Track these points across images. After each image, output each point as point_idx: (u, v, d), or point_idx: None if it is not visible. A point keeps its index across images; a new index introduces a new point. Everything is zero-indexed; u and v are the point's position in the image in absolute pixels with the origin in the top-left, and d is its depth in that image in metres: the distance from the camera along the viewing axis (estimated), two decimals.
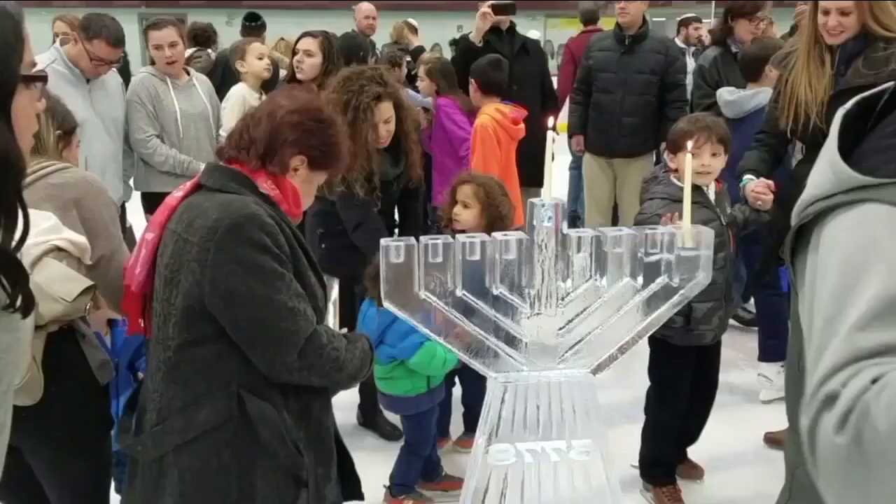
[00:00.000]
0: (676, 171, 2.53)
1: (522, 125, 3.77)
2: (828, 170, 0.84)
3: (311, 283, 1.57)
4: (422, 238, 1.92)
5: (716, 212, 2.48)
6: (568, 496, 2.10)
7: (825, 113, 2.60)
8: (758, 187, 2.56)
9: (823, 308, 0.78)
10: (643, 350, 3.78)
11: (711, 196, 2.53)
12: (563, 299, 2.01)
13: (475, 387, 2.86)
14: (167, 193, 1.65)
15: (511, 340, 2.04)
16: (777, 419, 3.07)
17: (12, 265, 0.95)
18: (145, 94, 3.76)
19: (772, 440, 3.10)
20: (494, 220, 2.57)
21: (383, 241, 1.91)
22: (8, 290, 0.93)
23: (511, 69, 4.19)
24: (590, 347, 2.07)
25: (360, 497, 1.79)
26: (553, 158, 1.84)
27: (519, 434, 2.08)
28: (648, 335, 2.50)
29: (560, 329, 2.04)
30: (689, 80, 5.00)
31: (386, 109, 2.90)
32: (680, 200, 2.37)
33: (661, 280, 2.02)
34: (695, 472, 2.94)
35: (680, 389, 2.71)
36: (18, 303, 0.94)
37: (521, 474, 2.10)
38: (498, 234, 1.98)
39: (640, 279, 2.01)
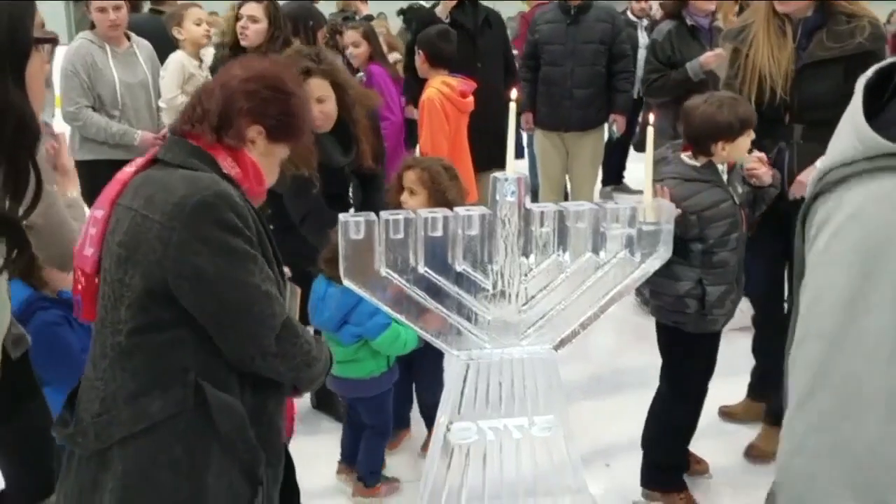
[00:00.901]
0: (686, 150, 2.47)
1: (471, 98, 3.73)
2: (852, 136, 0.82)
3: (276, 272, 1.53)
4: (382, 213, 1.91)
5: (728, 191, 2.45)
6: (530, 473, 2.14)
7: (790, 86, 2.63)
8: (749, 164, 2.50)
9: (827, 299, 0.77)
10: (600, 325, 3.88)
11: (724, 176, 2.48)
12: (525, 275, 2.03)
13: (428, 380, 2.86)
14: (106, 162, 1.61)
15: (473, 317, 2.05)
16: (732, 393, 3.18)
17: (16, 233, 0.94)
18: (80, 64, 3.63)
19: (726, 414, 3.19)
20: (442, 206, 2.53)
21: (342, 217, 1.89)
22: (7, 257, 0.94)
23: (475, 44, 4.13)
24: (552, 323, 2.10)
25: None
26: (517, 131, 1.84)
27: (481, 412, 2.10)
28: (659, 326, 2.55)
29: (523, 305, 2.06)
30: (642, 55, 5.06)
31: (317, 87, 2.78)
32: (693, 180, 2.40)
33: (622, 255, 2.05)
34: (699, 466, 2.80)
35: (701, 382, 2.59)
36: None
37: (483, 452, 2.12)
38: (460, 210, 1.98)
39: (603, 254, 2.04)
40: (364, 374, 2.60)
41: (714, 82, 3.93)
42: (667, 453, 2.63)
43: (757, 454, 2.87)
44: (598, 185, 6.50)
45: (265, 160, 1.61)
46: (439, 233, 1.95)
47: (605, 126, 4.70)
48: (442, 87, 3.64)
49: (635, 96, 5.51)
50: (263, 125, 1.57)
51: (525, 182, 1.96)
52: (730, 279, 2.48)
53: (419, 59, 3.76)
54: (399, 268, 1.95)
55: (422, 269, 1.96)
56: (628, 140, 6.14)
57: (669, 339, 2.56)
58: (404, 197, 2.62)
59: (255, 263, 1.45)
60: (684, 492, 2.60)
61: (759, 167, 2.51)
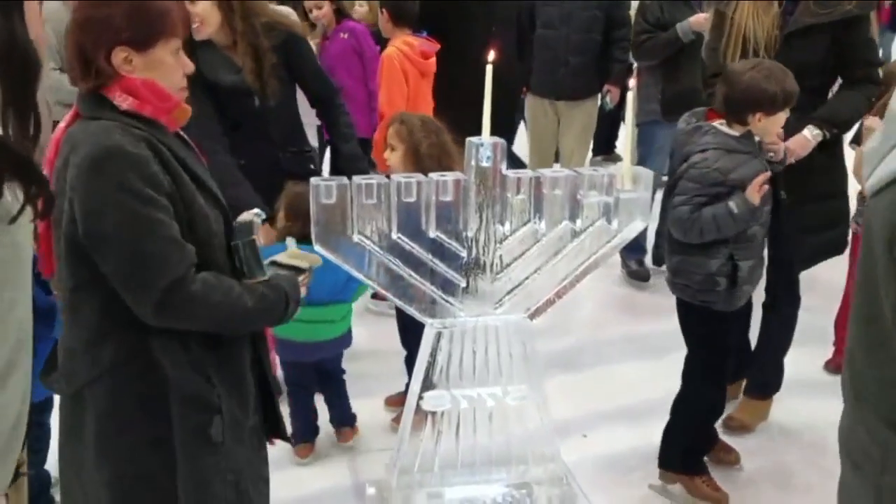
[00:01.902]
0: (715, 118, 2.44)
1: (433, 59, 3.66)
2: None
3: (200, 206, 1.51)
4: (354, 178, 1.92)
5: (764, 163, 2.41)
6: (503, 441, 2.18)
7: (776, 52, 2.61)
8: (770, 138, 2.43)
9: None
10: (582, 297, 3.91)
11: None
12: (500, 243, 2.05)
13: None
14: None
15: (447, 285, 2.07)
16: None
17: (32, 172, 0.96)
18: (51, 27, 3.59)
19: None
20: (420, 159, 2.50)
21: (313, 181, 1.89)
22: (24, 195, 0.95)
23: (490, 4, 3.85)
24: (527, 292, 2.12)
25: (284, 437, 1.81)
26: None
27: (455, 380, 2.13)
28: (686, 306, 2.49)
29: (497, 273, 2.08)
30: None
31: None
32: (735, 151, 2.34)
33: (599, 223, 2.07)
34: (729, 456, 2.74)
35: (728, 360, 2.54)
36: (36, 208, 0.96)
37: (457, 420, 2.16)
38: (434, 175, 1.99)
39: (579, 222, 2.06)
40: (337, 333, 2.67)
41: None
42: (696, 436, 2.60)
43: (736, 426, 2.92)
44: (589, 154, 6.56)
45: (157, 72, 1.52)
46: (413, 198, 1.96)
47: (599, 96, 4.68)
48: (402, 46, 3.61)
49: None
50: (121, 43, 1.48)
51: (501, 147, 1.96)
52: (758, 252, 2.48)
53: (383, 18, 3.72)
54: (372, 234, 1.96)
55: (395, 235, 1.97)
56: (619, 109, 6.12)
57: (696, 319, 2.51)
58: (387, 153, 2.62)
59: (144, 223, 1.43)
60: (705, 475, 2.58)
61: (779, 142, 2.48)
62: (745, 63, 2.45)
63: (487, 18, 3.72)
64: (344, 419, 2.84)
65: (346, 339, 2.77)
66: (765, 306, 2.91)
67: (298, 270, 1.71)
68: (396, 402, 2.92)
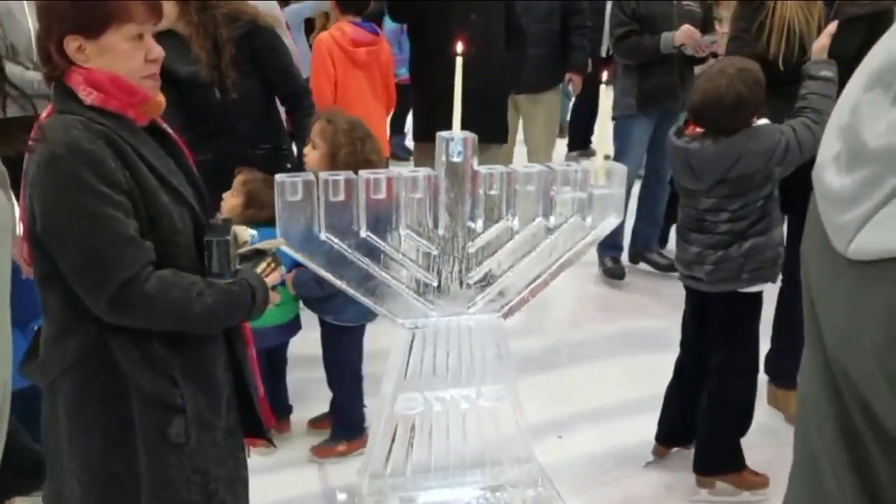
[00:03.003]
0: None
1: (364, 50, 3.63)
2: None
3: (162, 204, 1.51)
4: (321, 174, 1.90)
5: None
6: (477, 443, 2.18)
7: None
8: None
9: None
10: (558, 295, 3.93)
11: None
12: (473, 240, 2.05)
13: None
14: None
15: (418, 284, 2.06)
16: None
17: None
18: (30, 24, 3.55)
19: None
20: (336, 165, 2.36)
21: (278, 177, 1.88)
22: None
23: None
24: (500, 290, 2.12)
25: (261, 434, 1.80)
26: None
27: (428, 382, 2.13)
28: (734, 297, 2.43)
29: (470, 272, 2.08)
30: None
31: None
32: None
33: (573, 219, 2.08)
34: (758, 479, 2.61)
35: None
36: None
37: (430, 423, 2.15)
38: (405, 171, 1.98)
39: (553, 219, 2.06)
40: (282, 320, 2.69)
41: (680, 56, 3.97)
42: (741, 432, 2.58)
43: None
44: (565, 149, 6.58)
45: (108, 59, 1.50)
46: (382, 195, 1.95)
47: (561, 87, 4.69)
48: (334, 32, 3.63)
49: (603, 55, 5.51)
50: (71, 32, 1.47)
51: (472, 142, 1.96)
52: None
53: (332, 4, 3.74)
54: (339, 231, 1.95)
55: (364, 233, 1.96)
56: (595, 103, 6.16)
57: (749, 310, 2.50)
58: (307, 149, 2.54)
59: (98, 221, 1.43)
60: (747, 468, 2.58)
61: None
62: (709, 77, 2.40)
63: (465, 6, 3.51)
64: (280, 410, 2.85)
65: (291, 327, 2.75)
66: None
67: (260, 255, 1.69)
68: (320, 425, 2.85)
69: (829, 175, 0.73)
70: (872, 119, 0.68)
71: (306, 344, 3.07)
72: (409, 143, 4.80)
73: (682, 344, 2.74)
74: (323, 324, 2.74)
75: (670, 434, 2.76)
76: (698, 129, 2.37)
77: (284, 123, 3.09)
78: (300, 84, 2.94)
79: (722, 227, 2.41)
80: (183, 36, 2.65)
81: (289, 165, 2.87)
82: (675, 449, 2.78)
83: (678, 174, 2.48)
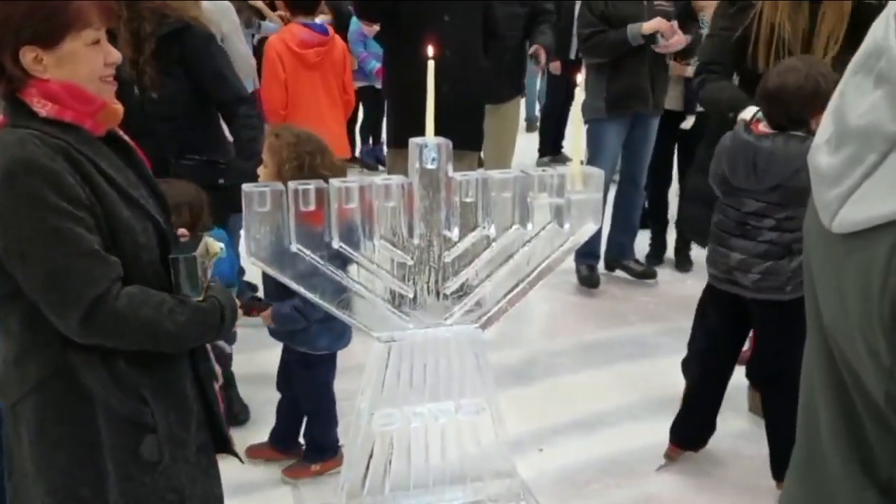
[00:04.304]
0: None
1: (314, 51, 3.63)
2: None
3: (123, 219, 1.49)
4: (290, 183, 1.89)
5: None
6: (457, 458, 2.17)
7: (803, 51, 2.62)
8: None
9: None
10: (535, 306, 3.94)
11: None
12: (448, 249, 2.05)
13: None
14: None
15: (394, 296, 2.06)
16: (673, 378, 3.29)
17: None
18: None
19: None
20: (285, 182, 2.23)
21: (245, 187, 1.86)
22: None
23: None
24: (478, 301, 2.12)
25: (230, 450, 1.79)
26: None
27: (405, 396, 2.12)
28: (789, 305, 2.42)
29: (446, 282, 2.07)
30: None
31: None
32: None
33: (551, 226, 2.08)
34: None
35: None
36: None
37: (408, 439, 2.14)
38: (377, 179, 1.97)
39: (530, 226, 2.07)
40: None
41: (651, 56, 4.00)
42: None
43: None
44: (535, 155, 6.61)
45: (70, 67, 1.46)
46: (354, 204, 1.94)
47: (521, 99, 4.65)
48: (284, 34, 3.64)
49: (572, 56, 5.55)
50: (28, 42, 1.43)
51: (447, 148, 1.96)
52: None
53: (281, 4, 3.74)
54: (311, 243, 1.93)
55: (336, 243, 1.95)
56: (566, 107, 6.21)
57: (793, 312, 2.57)
58: (260, 168, 2.49)
59: (61, 237, 1.41)
60: None
61: None
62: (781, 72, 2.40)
63: (440, 7, 3.40)
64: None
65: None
66: None
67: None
68: (258, 453, 2.81)
69: (821, 156, 0.78)
70: (856, 101, 0.73)
71: (252, 362, 3.06)
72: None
73: (709, 348, 2.74)
74: (289, 351, 2.70)
75: (689, 437, 2.79)
76: (765, 128, 2.41)
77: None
78: (235, 92, 2.84)
79: (766, 235, 2.44)
80: (110, 29, 2.62)
81: (220, 181, 2.76)
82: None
83: (735, 171, 2.47)
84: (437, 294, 2.08)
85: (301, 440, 2.81)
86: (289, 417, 2.79)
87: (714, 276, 2.61)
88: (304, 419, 2.77)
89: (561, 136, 6.72)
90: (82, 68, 1.48)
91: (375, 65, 5.41)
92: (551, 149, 6.68)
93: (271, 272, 1.94)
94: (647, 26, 3.89)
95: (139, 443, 1.54)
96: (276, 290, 2.46)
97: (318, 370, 2.67)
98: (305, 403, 2.72)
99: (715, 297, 2.66)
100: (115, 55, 1.54)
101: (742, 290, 2.52)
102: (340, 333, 2.62)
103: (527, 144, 6.39)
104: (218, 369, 2.40)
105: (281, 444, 2.81)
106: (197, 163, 2.77)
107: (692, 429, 2.80)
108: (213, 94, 2.81)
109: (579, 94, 2.07)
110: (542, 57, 4.48)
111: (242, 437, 2.79)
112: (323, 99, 3.72)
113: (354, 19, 5.23)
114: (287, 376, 2.75)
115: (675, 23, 3.97)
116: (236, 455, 1.85)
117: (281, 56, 3.58)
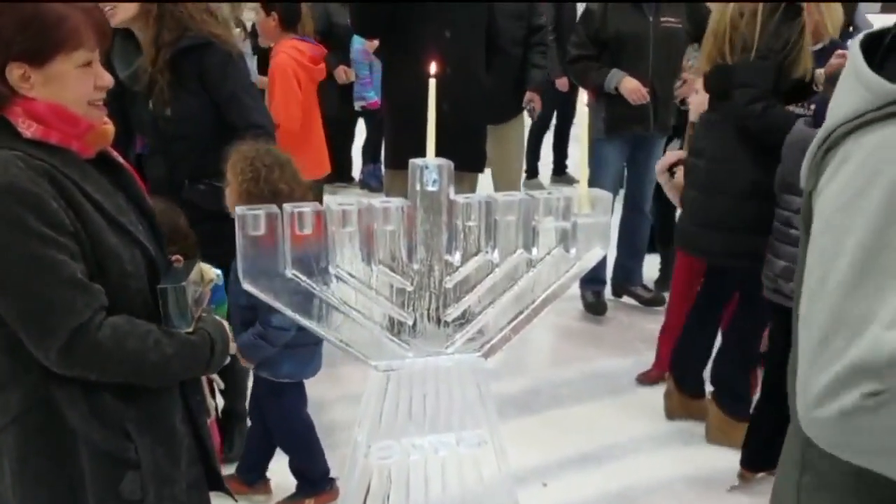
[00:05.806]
0: None
1: (323, 65, 3.72)
2: (859, 90, 0.87)
3: (110, 246, 1.47)
4: (286, 206, 1.87)
5: None
6: (458, 493, 2.13)
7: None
8: None
9: (847, 243, 0.84)
10: (538, 333, 3.92)
11: None
12: (450, 275, 2.03)
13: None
14: None
15: (393, 323, 2.03)
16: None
17: None
18: None
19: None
20: (244, 201, 2.26)
21: (239, 209, 1.84)
22: None
23: (443, 4, 3.40)
24: (480, 329, 2.10)
25: (223, 488, 1.76)
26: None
27: (404, 428, 2.08)
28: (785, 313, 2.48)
29: (447, 309, 2.05)
30: None
31: None
32: None
33: (557, 251, 2.06)
34: None
35: None
36: None
37: (406, 473, 2.10)
38: (376, 202, 1.96)
39: (535, 250, 2.05)
40: None
41: (655, 71, 4.00)
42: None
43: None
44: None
45: (57, 87, 1.45)
46: (353, 227, 1.92)
47: (522, 117, 4.65)
48: (292, 52, 3.64)
49: None
50: (15, 58, 1.42)
51: (448, 170, 1.95)
52: None
53: (271, 22, 3.72)
54: (307, 268, 1.91)
55: (333, 269, 1.93)
56: (568, 125, 6.22)
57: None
58: (227, 188, 2.47)
59: (43, 265, 1.39)
60: None
61: None
62: None
63: (441, 22, 3.36)
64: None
65: None
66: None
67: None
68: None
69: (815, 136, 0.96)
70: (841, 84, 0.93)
71: None
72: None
73: (771, 362, 2.73)
74: (258, 380, 2.67)
75: (760, 458, 2.75)
76: None
77: None
78: (249, 118, 2.75)
79: None
80: (137, 38, 2.61)
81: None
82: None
83: (795, 167, 2.48)
84: (438, 321, 2.05)
85: (267, 475, 2.77)
86: (258, 449, 2.75)
87: (766, 287, 2.56)
88: (274, 452, 2.74)
89: (564, 155, 6.73)
90: (69, 91, 1.47)
91: (372, 97, 5.42)
92: (556, 170, 6.69)
93: (265, 298, 1.91)
94: (624, 89, 3.85)
95: (119, 479, 1.51)
96: (239, 316, 2.41)
97: (287, 400, 2.63)
98: (279, 438, 2.69)
99: (771, 310, 2.61)
100: (107, 79, 1.53)
101: (785, 299, 2.44)
102: (306, 361, 2.59)
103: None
104: (212, 403, 2.36)
105: (246, 476, 2.76)
106: (210, 188, 2.68)
107: (755, 451, 2.75)
108: (226, 115, 2.75)
109: (584, 114, 2.05)
110: (538, 105, 4.51)
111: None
112: (316, 113, 3.77)
113: (356, 37, 5.25)
114: (258, 405, 2.72)
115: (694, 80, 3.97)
116: (230, 493, 1.82)
117: (297, 74, 3.59)
